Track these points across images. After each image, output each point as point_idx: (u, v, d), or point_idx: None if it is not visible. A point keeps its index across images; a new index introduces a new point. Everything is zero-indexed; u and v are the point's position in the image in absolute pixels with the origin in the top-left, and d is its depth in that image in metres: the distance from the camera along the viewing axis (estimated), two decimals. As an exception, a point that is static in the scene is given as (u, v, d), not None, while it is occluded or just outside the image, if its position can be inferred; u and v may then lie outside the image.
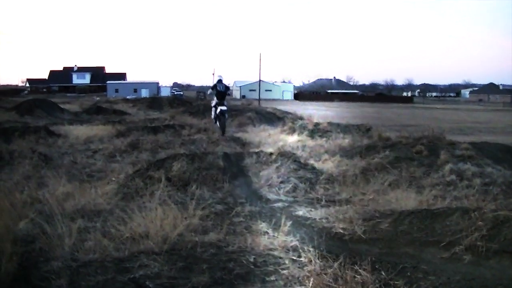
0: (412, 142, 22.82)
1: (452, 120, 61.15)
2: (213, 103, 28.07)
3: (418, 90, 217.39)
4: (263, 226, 11.35)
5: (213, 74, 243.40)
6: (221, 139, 27.88)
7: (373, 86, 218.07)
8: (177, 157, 18.04)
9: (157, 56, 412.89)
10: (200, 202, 13.04)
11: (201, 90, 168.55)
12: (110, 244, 9.62)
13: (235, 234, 10.69)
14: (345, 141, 27.84)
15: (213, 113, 28.99)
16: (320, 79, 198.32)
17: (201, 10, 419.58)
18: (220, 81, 28.07)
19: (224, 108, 27.42)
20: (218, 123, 29.32)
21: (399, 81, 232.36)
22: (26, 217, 11.45)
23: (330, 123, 35.91)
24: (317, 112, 63.89)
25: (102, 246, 9.50)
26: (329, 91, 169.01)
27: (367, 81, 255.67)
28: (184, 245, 9.58)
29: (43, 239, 9.71)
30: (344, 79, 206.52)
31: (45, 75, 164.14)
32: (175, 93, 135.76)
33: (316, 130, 33.22)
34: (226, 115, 26.16)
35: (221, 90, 27.56)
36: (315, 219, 12.59)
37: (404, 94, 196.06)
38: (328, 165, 20.33)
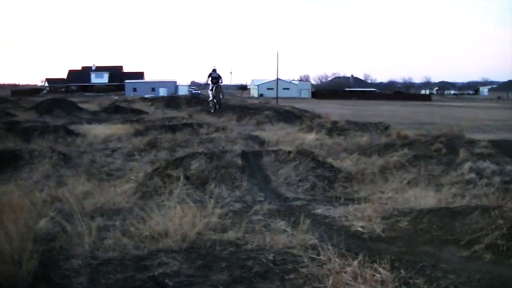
0: (430, 140, 22.73)
1: (470, 118, 60.80)
2: (210, 86, 32.13)
3: (436, 88, 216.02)
4: (281, 224, 11.33)
5: (231, 73, 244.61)
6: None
7: (391, 84, 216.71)
8: (195, 155, 18.10)
9: (174, 55, 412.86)
10: (219, 201, 13.08)
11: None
12: (129, 242, 9.66)
13: (254, 233, 10.68)
14: (363, 139, 27.80)
15: (210, 94, 33.64)
16: (338, 77, 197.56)
17: (219, 8, 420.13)
18: (214, 70, 31.95)
19: (218, 84, 30.72)
20: (214, 100, 33.68)
21: (417, 79, 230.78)
22: (46, 215, 11.52)
23: (348, 121, 35.88)
24: (334, 110, 63.82)
25: (122, 244, 9.55)
26: (346, 89, 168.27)
27: (384, 79, 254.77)
28: (203, 244, 9.59)
29: (63, 238, 9.77)
30: (361, 77, 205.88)
31: (64, 75, 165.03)
32: (193, 91, 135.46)
33: (334, 128, 33.18)
34: (222, 92, 30.51)
35: (215, 76, 31.53)
36: (334, 217, 12.58)
37: (422, 92, 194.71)
38: (346, 163, 20.31)
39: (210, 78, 32.46)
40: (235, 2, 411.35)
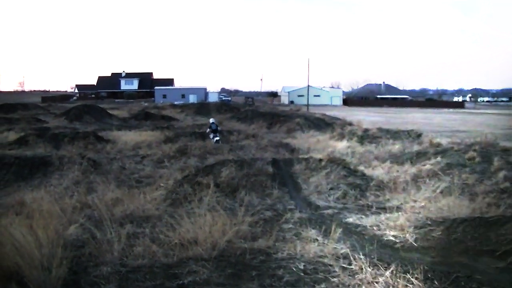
0: (464, 148, 22.49)
1: (505, 125, 60.01)
2: (212, 135, 34.46)
3: (469, 95, 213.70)
4: (312, 233, 11.33)
5: (261, 79, 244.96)
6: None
7: (423, 91, 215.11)
8: (225, 163, 18.14)
9: (204, 61, 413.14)
10: (249, 209, 13.08)
11: (249, 95, 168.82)
12: (159, 250, 9.71)
13: (285, 241, 10.69)
14: (395, 147, 27.60)
15: (213, 138, 34.95)
16: (369, 84, 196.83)
17: (250, 14, 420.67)
18: (213, 123, 35.49)
19: (217, 138, 33.33)
20: (218, 142, 34.90)
21: (450, 86, 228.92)
22: (76, 222, 11.65)
23: (379, 129, 35.67)
24: (366, 117, 63.45)
25: (151, 251, 9.60)
26: (378, 96, 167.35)
27: (416, 86, 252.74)
28: (233, 252, 9.61)
29: (93, 244, 9.86)
30: (393, 84, 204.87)
31: (94, 81, 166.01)
32: (223, 98, 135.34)
33: (365, 136, 33.03)
34: (219, 141, 31.90)
35: (214, 128, 34.55)
36: (365, 226, 12.53)
37: (455, 99, 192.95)
38: (378, 171, 20.18)
39: (210, 129, 35.69)
40: (266, 9, 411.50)
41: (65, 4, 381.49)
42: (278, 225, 12.05)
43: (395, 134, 33.65)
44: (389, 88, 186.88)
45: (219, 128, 36.24)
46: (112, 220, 11.31)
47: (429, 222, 11.69)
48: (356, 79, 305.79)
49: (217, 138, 33.70)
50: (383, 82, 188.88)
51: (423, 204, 14.59)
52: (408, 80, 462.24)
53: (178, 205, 14.43)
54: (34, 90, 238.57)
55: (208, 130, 35.23)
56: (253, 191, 15.76)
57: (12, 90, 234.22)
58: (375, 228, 12.21)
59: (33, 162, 21.69)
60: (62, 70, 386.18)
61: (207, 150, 26.18)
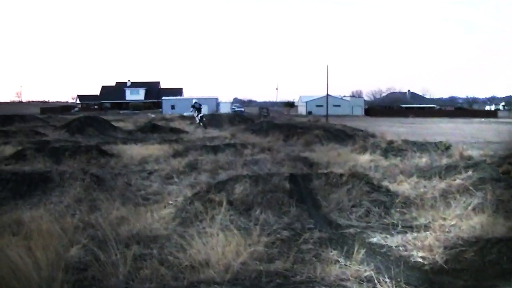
0: (497, 161, 22.33)
1: (544, 136, 59.78)
2: (196, 113, 43.52)
3: (503, 103, 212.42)
4: (334, 254, 11.28)
5: (277, 89, 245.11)
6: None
7: (452, 99, 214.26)
8: (239, 178, 18.12)
9: (216, 70, 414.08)
10: (265, 228, 13.07)
11: (264, 106, 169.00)
12: (167, 272, 9.70)
13: (304, 263, 10.65)
14: (422, 160, 27.51)
15: (197, 119, 44.95)
16: (393, 92, 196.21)
17: (265, 20, 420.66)
18: (196, 102, 44.16)
19: (202, 114, 41.19)
20: (201, 124, 43.63)
21: (481, 93, 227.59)
22: (78, 243, 11.67)
23: (405, 141, 35.53)
24: (390, 128, 63.45)
25: (159, 275, 9.59)
26: (403, 105, 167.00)
27: (444, 95, 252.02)
28: (248, 275, 9.59)
29: (96, 267, 9.86)
30: (419, 92, 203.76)
31: (97, 91, 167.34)
32: (236, 109, 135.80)
33: (389, 149, 32.93)
34: (204, 118, 39.68)
35: (198, 107, 43.01)
36: (391, 246, 12.46)
37: (487, 108, 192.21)
38: (404, 187, 20.09)
39: (195, 108, 41.91)
40: (282, 14, 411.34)
41: (65, 8, 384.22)
42: (296, 246, 12.01)
43: (422, 146, 33.50)
44: (415, 97, 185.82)
45: (201, 107, 43.66)
46: (117, 240, 11.32)
47: (460, 242, 11.59)
48: (379, 87, 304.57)
49: (201, 116, 41.48)
50: (408, 90, 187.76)
51: (453, 222, 14.47)
52: (435, 88, 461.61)
53: (188, 224, 14.41)
54: (33, 101, 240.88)
55: (192, 109, 37.43)
56: (269, 209, 15.70)
57: (9, 100, 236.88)
58: (401, 248, 12.14)
59: (32, 178, 21.73)
60: (62, 80, 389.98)
61: (219, 164, 26.18)
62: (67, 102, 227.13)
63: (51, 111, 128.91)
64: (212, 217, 14.17)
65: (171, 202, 17.55)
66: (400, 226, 14.43)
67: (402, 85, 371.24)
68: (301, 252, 11.59)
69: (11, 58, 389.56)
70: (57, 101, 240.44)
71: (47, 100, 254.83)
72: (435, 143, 34.83)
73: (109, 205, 16.45)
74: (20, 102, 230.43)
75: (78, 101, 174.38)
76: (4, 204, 18.81)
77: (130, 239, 12.41)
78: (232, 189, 17.01)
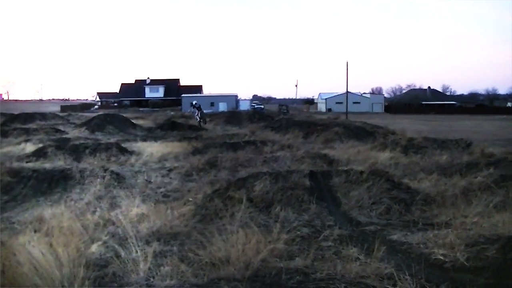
0: (519, 158, 22.23)
1: None
2: (196, 112, 50.38)
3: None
4: (354, 251, 11.25)
5: (296, 86, 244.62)
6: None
7: (472, 96, 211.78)
8: (259, 176, 18.14)
9: (235, 67, 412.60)
10: (285, 225, 13.08)
11: (284, 103, 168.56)
12: (188, 269, 9.73)
13: (324, 260, 10.63)
14: (443, 157, 27.40)
15: (197, 117, 51.00)
16: (413, 89, 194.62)
17: (284, 18, 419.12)
18: (196, 103, 50.08)
19: (202, 111, 45.96)
20: (200, 123, 47.17)
21: (503, 89, 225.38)
22: (99, 239, 11.73)
23: (425, 138, 35.39)
24: (410, 125, 63.10)
25: (180, 271, 9.61)
26: (423, 102, 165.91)
27: (465, 91, 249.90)
28: (268, 272, 9.58)
29: (117, 264, 9.91)
30: (439, 89, 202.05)
31: (116, 89, 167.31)
32: (255, 106, 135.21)
33: (410, 146, 32.82)
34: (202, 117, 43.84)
35: (198, 107, 48.04)
36: (411, 244, 12.42)
37: (509, 104, 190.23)
38: (424, 184, 20.02)
39: (195, 107, 47.46)
40: (301, 10, 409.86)
41: (85, 7, 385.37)
42: (317, 243, 12.01)
43: (442, 144, 33.37)
44: (435, 94, 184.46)
45: (200, 106, 49.87)
46: (138, 237, 11.38)
47: (482, 240, 11.52)
48: (399, 84, 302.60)
49: (201, 112, 47.74)
50: (429, 87, 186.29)
51: (474, 220, 14.38)
52: (456, 84, 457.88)
53: (208, 221, 14.46)
54: (53, 99, 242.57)
55: (192, 108, 48.70)
56: (289, 206, 15.72)
57: (30, 98, 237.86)
58: (422, 246, 12.09)
59: (52, 176, 21.91)
60: (82, 78, 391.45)
61: (238, 162, 26.20)
62: (87, 100, 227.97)
63: (71, 109, 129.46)
64: (232, 214, 14.19)
65: (191, 199, 17.61)
66: (420, 224, 14.39)
67: (422, 82, 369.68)
68: (321, 249, 11.58)
69: (32, 56, 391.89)
70: (77, 99, 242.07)
71: (67, 98, 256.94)
72: (455, 140, 34.66)
73: (130, 202, 16.56)
74: (41, 100, 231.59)
75: (97, 99, 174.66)
76: (25, 201, 19.01)
77: (151, 236, 12.49)
78: (252, 186, 17.03)
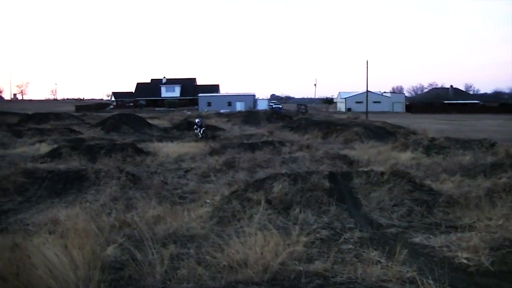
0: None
1: None
2: (198, 129, 47.47)
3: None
4: (375, 254, 11.19)
5: (315, 85, 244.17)
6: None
7: (496, 95, 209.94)
8: (277, 177, 18.12)
9: (253, 66, 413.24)
10: (304, 227, 13.03)
11: (302, 102, 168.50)
12: (205, 272, 9.71)
13: (344, 263, 10.59)
14: (466, 158, 27.27)
15: (198, 132, 47.91)
16: (435, 88, 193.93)
17: (301, 15, 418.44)
18: (199, 121, 49.04)
19: (203, 129, 47.21)
20: (201, 136, 46.91)
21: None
22: (114, 242, 11.74)
23: (447, 138, 35.27)
24: (432, 125, 62.94)
25: (197, 274, 9.60)
26: (445, 101, 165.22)
27: (489, 89, 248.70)
28: (287, 275, 9.55)
29: (133, 266, 9.91)
30: (462, 87, 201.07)
31: (132, 88, 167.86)
32: (273, 106, 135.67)
33: (432, 146, 32.73)
34: (204, 134, 46.17)
35: (200, 124, 47.82)
36: (434, 247, 12.34)
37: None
38: (447, 185, 19.94)
39: (196, 125, 47.79)
40: (319, 7, 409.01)
41: (101, 6, 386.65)
42: (337, 246, 11.97)
43: (465, 144, 33.24)
44: (458, 92, 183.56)
45: (203, 125, 48.29)
46: (154, 239, 11.36)
47: (507, 243, 11.43)
48: (420, 82, 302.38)
49: (203, 129, 46.42)
50: (451, 86, 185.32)
51: (499, 222, 14.27)
52: (479, 83, 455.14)
53: (226, 223, 14.47)
54: (67, 98, 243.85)
55: (195, 126, 47.84)
56: (308, 208, 15.69)
57: (44, 98, 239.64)
58: (445, 249, 12.01)
59: (67, 177, 22.04)
60: (97, 77, 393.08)
61: (256, 163, 26.21)
62: (101, 99, 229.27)
63: (85, 108, 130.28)
64: (250, 216, 14.17)
65: (208, 200, 17.63)
66: (443, 226, 14.29)
67: (444, 81, 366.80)
68: (341, 252, 11.54)
69: (46, 56, 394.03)
70: (92, 99, 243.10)
71: (81, 98, 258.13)
72: (479, 140, 34.50)
73: (146, 204, 16.58)
74: (55, 100, 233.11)
75: (113, 99, 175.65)
76: (40, 203, 19.11)
77: (167, 238, 12.49)
78: (271, 187, 17.01)
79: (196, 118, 51.16)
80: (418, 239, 13.22)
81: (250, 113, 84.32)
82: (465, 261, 10.96)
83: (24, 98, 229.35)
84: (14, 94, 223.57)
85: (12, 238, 11.83)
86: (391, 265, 10.21)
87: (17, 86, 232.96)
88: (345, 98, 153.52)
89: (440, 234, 13.46)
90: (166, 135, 50.69)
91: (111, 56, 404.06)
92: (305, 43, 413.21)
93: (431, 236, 13.39)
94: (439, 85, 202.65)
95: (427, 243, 12.72)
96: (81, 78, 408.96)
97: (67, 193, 20.31)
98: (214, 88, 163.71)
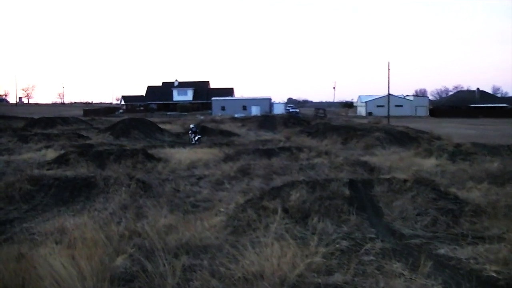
0: None
1: None
2: (192, 135, 48.97)
3: None
4: (397, 266, 11.16)
5: (334, 88, 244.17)
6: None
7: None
8: (295, 184, 18.09)
9: (269, 68, 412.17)
10: (323, 237, 13.02)
11: (320, 106, 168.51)
12: (219, 285, 9.71)
13: (365, 276, 10.57)
14: (494, 165, 27.12)
15: (192, 138, 49.31)
16: (461, 91, 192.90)
17: (321, 16, 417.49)
18: (193, 127, 51.12)
19: (199, 136, 48.75)
20: (197, 142, 48.08)
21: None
22: (124, 252, 11.75)
23: (474, 144, 35.15)
24: (457, 130, 62.80)
25: (210, 287, 9.59)
26: (471, 105, 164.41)
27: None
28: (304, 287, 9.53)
29: (143, 278, 9.92)
30: (489, 90, 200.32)
31: (142, 92, 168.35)
32: (290, 110, 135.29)
33: (457, 152, 32.62)
34: (199, 141, 47.71)
35: (195, 130, 49.53)
36: (460, 259, 12.28)
37: None
38: (473, 194, 19.83)
39: (191, 131, 49.72)
40: (338, 8, 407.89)
41: (109, 7, 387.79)
42: (357, 257, 11.93)
43: (493, 150, 33.11)
44: (485, 95, 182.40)
45: (198, 131, 50.34)
46: (165, 250, 11.38)
47: (539, 255, 11.39)
48: (444, 85, 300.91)
49: (199, 137, 48.04)
50: (477, 89, 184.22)
51: (531, 233, 14.24)
52: (508, 85, 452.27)
53: (240, 233, 14.46)
54: (75, 102, 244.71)
55: (190, 132, 49.84)
56: (327, 217, 15.65)
57: (51, 102, 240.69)
58: (472, 261, 11.96)
59: (75, 184, 22.07)
60: (106, 80, 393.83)
61: (273, 169, 26.19)
62: (111, 103, 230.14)
63: (94, 113, 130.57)
64: (266, 225, 14.17)
65: (222, 209, 17.62)
66: (470, 237, 14.21)
67: (470, 83, 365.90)
68: (362, 264, 11.50)
69: (53, 58, 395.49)
70: (101, 103, 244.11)
71: (90, 102, 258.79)
72: (507, 146, 34.36)
73: (157, 212, 16.60)
74: (62, 104, 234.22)
75: (122, 102, 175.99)
76: (46, 211, 19.15)
77: (179, 248, 12.47)
78: (288, 195, 16.98)
79: (191, 124, 52.94)
80: (443, 250, 13.16)
81: (266, 117, 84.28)
82: (494, 274, 10.90)
83: (30, 102, 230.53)
84: (20, 98, 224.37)
85: (18, 248, 11.91)
86: (415, 278, 10.18)
87: (23, 90, 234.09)
88: (365, 101, 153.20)
89: (467, 246, 13.40)
90: (179, 140, 50.82)
91: (120, 58, 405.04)
92: (323, 44, 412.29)
93: (457, 247, 13.34)
94: (465, 88, 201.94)
95: (453, 255, 12.66)
96: (89, 81, 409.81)
97: (74, 201, 20.35)
98: (228, 91, 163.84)
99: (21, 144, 43.82)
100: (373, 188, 19.01)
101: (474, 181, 22.39)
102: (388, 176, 21.25)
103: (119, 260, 11.09)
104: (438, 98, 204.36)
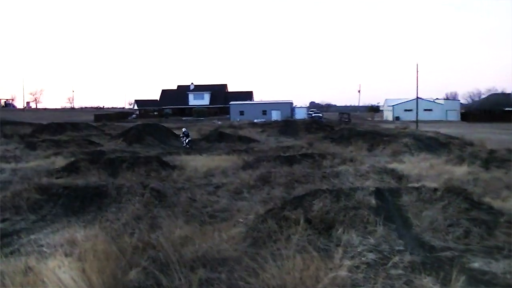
0: None
1: None
2: (184, 138, 52.92)
3: None
4: (428, 280, 11.12)
5: (359, 91, 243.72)
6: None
7: None
8: (318, 193, 18.06)
9: (290, 71, 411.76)
10: (348, 250, 12.99)
11: (345, 111, 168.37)
12: (238, 299, 9.70)
13: (393, 291, 10.52)
14: (531, 173, 27.00)
15: (184, 141, 53.03)
16: (494, 93, 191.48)
17: (344, 17, 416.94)
18: (185, 130, 54.12)
19: (189, 139, 52.97)
20: (188, 145, 52.18)
21: None
22: (138, 265, 11.77)
23: (509, 150, 34.95)
24: (491, 135, 62.46)
25: (229, 302, 9.59)
26: (506, 108, 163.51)
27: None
28: (329, 303, 9.50)
29: (158, 293, 9.91)
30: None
31: (156, 96, 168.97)
32: (313, 115, 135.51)
33: (491, 159, 32.43)
34: (190, 144, 51.85)
35: (186, 134, 53.13)
36: (495, 273, 12.21)
37: None
38: (509, 203, 19.73)
39: (183, 134, 53.26)
40: (365, 8, 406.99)
41: (123, 6, 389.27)
42: (385, 271, 11.90)
43: (530, 157, 32.96)
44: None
45: (188, 134, 53.95)
46: (181, 263, 11.40)
47: None
48: (477, 88, 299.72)
49: (189, 139, 51.80)
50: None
51: None
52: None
53: (260, 245, 14.44)
54: (86, 107, 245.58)
55: (181, 135, 53.27)
56: (352, 228, 15.61)
57: (60, 107, 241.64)
58: (508, 276, 11.90)
59: (86, 193, 22.14)
60: (118, 83, 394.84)
61: (294, 177, 26.17)
62: (123, 108, 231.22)
63: (106, 118, 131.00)
64: (288, 237, 14.15)
65: (241, 220, 17.63)
66: (506, 250, 14.11)
67: (505, 85, 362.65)
68: (390, 278, 11.47)
69: (63, 61, 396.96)
70: (113, 107, 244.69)
71: (101, 106, 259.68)
72: (547, 152, 34.15)
73: (172, 223, 16.61)
74: (72, 109, 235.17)
75: (135, 107, 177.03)
76: (55, 222, 19.20)
77: (195, 261, 12.49)
78: (310, 205, 16.97)
79: (183, 128, 55.19)
80: (477, 264, 13.09)
81: (287, 122, 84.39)
82: (533, 290, 10.84)
83: (38, 107, 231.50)
84: (28, 103, 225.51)
85: (25, 260, 11.95)
86: (447, 293, 10.12)
87: (31, 94, 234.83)
88: (392, 105, 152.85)
89: (503, 259, 13.33)
90: (195, 147, 50.89)
91: (133, 60, 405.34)
92: (348, 45, 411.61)
93: (492, 261, 13.27)
94: (499, 91, 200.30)
95: (487, 269, 12.60)
96: (100, 85, 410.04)
97: (85, 211, 20.40)
98: (247, 95, 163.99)
99: (29, 151, 44.08)
100: (401, 197, 18.96)
101: (510, 190, 22.28)
102: (417, 185, 21.20)
103: (132, 274, 11.12)
104: (470, 102, 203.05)
